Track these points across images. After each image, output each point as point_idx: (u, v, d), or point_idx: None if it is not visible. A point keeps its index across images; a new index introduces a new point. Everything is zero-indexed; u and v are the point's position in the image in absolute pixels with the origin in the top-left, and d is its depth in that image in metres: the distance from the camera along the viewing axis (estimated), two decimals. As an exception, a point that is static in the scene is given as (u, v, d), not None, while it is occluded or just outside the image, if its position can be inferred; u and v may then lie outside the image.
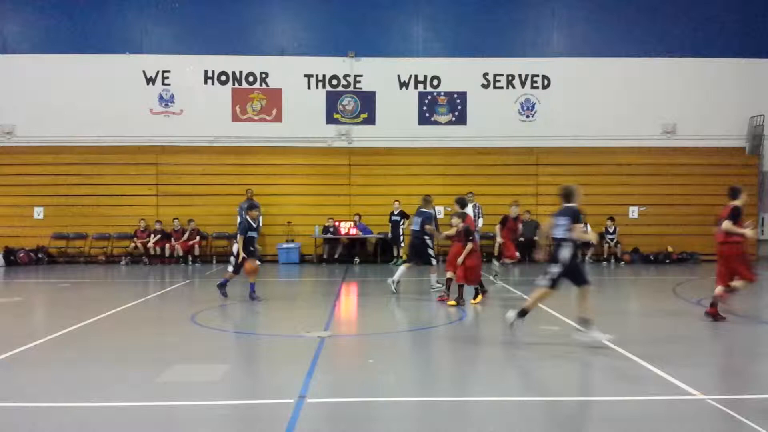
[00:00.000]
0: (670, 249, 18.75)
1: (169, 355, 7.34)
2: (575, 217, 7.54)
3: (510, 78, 19.92)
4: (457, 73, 19.83)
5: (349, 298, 12.60)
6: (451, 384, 6.58)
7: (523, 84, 19.92)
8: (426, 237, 11.93)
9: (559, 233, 7.61)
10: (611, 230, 18.71)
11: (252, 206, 11.83)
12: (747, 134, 19.63)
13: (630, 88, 19.57)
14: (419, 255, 12.06)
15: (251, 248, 11.20)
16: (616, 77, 19.64)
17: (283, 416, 5.16)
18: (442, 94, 19.92)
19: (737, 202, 9.06)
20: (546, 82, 19.87)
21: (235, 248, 11.22)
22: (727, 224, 8.91)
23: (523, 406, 5.62)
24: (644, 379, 6.43)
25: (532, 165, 19.40)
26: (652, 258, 18.59)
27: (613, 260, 18.50)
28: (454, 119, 19.89)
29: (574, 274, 7.64)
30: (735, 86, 19.50)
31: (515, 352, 7.69)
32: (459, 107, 19.88)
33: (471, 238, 10.38)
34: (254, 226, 11.33)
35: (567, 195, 7.81)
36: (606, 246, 18.48)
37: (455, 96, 19.88)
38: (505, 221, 13.65)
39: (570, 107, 19.52)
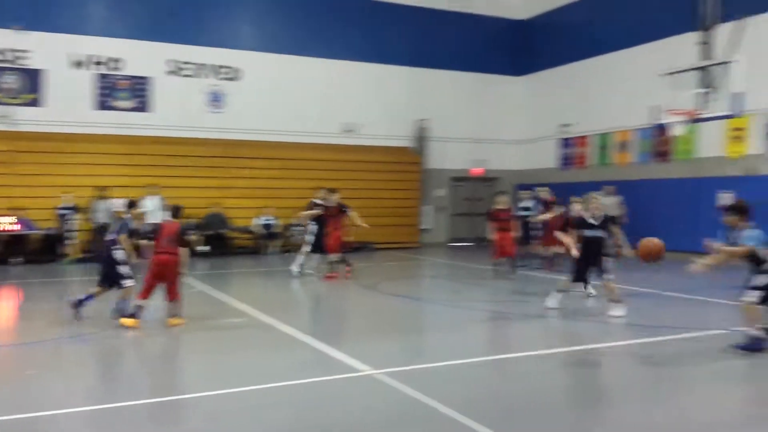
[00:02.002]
0: (351, 238, 20.08)
1: None
2: None
3: (199, 67, 19.36)
4: (141, 57, 18.53)
5: (4, 304, 10.94)
6: (130, 388, 6.05)
7: (212, 74, 19.52)
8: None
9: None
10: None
11: (132, 203, 9.19)
12: (413, 135, 22.00)
13: (315, 88, 20.40)
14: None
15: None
16: (302, 76, 20.29)
17: None
18: (124, 78, 18.50)
19: None
20: (236, 74, 19.76)
21: (119, 255, 8.44)
22: None
23: (209, 401, 5.42)
24: (319, 360, 6.72)
25: (221, 157, 19.09)
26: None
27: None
28: (137, 105, 18.62)
29: None
30: (405, 92, 21.65)
31: (195, 348, 7.44)
32: (143, 93, 18.66)
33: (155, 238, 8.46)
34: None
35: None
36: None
37: (138, 81, 18.61)
38: (567, 222, 10.23)
39: (259, 101, 19.65)
